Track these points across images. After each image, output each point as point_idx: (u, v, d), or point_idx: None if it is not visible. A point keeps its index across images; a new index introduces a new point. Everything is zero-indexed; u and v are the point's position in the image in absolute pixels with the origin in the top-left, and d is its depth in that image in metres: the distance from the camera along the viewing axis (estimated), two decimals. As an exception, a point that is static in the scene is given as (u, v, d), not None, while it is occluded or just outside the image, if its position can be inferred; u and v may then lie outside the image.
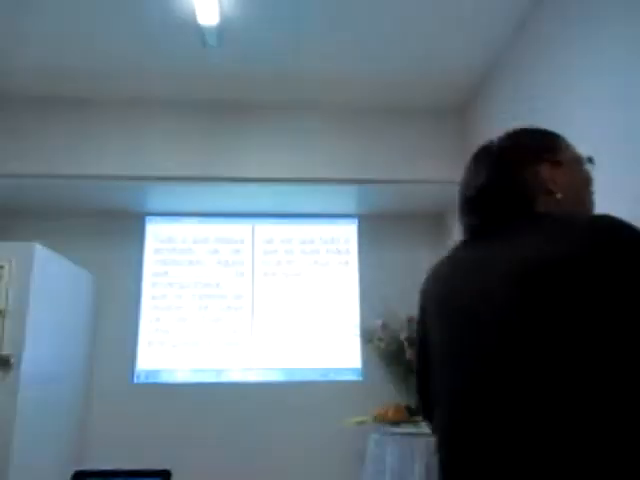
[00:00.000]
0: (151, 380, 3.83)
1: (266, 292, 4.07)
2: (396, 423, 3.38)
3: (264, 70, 3.31)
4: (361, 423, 3.41)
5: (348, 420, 3.44)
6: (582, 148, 2.33)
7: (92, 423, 3.61)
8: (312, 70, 3.32)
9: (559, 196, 1.01)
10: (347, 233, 4.21)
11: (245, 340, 3.97)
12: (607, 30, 2.16)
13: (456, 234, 3.89)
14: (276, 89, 3.51)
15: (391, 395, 3.70)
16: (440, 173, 3.63)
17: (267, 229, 4.20)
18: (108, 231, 4.00)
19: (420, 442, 3.08)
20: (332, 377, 3.87)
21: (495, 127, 3.20)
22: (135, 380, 3.82)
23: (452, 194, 4.21)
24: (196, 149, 3.58)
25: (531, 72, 2.78)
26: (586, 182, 1.09)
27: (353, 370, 3.90)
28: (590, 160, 1.09)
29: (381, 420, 3.43)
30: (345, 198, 3.95)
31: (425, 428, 3.27)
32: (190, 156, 3.55)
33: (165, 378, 3.84)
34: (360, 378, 3.86)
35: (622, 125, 2.01)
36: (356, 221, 4.20)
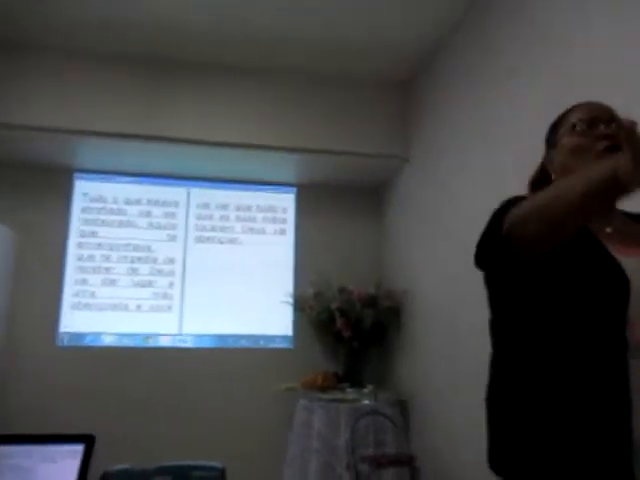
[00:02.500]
0: (76, 343, 3.71)
1: (199, 257, 4.00)
2: (324, 389, 3.47)
3: (205, 28, 3.18)
4: (290, 390, 3.48)
5: (278, 386, 3.50)
6: (523, 126, 2.40)
7: (13, 387, 3.46)
8: (257, 33, 3.23)
9: (553, 177, 1.12)
10: (285, 202, 4.19)
11: (175, 305, 3.91)
12: (553, 5, 2.22)
13: (392, 209, 3.97)
14: (217, 50, 3.40)
15: (321, 362, 3.79)
16: (381, 147, 3.67)
17: (203, 194, 4.11)
18: (33, 186, 3.78)
19: (346, 408, 3.19)
20: (263, 344, 3.90)
21: (437, 104, 3.27)
22: (59, 343, 3.68)
23: (391, 168, 4.32)
24: (131, 105, 3.42)
25: (478, 51, 2.82)
26: (569, 152, 1.08)
27: (284, 337, 3.94)
28: (574, 126, 1.09)
29: (310, 387, 3.51)
30: (284, 167, 3.92)
31: (351, 394, 3.38)
32: (124, 112, 3.39)
33: (91, 342, 3.73)
34: (291, 345, 3.91)
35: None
36: (294, 190, 4.19)
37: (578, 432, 0.88)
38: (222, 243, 4.05)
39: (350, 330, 3.60)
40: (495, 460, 1.01)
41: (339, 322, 3.62)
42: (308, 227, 4.10)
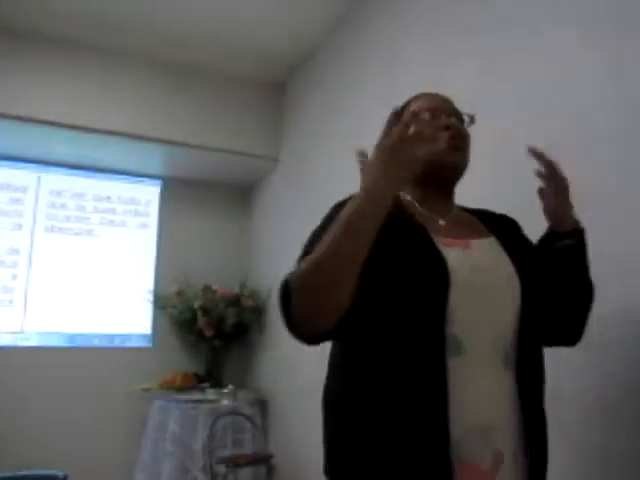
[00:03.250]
0: None
1: (49, 249, 3.68)
2: (183, 390, 3.38)
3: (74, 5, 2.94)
4: (146, 390, 3.34)
5: (133, 387, 3.33)
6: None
7: None
8: (135, 19, 3.05)
9: None
10: (149, 194, 4.01)
11: (18, 299, 3.56)
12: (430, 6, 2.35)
13: (260, 209, 3.98)
14: (88, 31, 3.15)
15: (181, 362, 3.68)
16: (252, 146, 3.65)
17: (56, 180, 3.79)
18: None
19: (205, 408, 3.13)
20: (119, 343, 3.69)
21: (310, 107, 3.34)
22: None
23: (262, 168, 4.32)
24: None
25: (350, 56, 2.92)
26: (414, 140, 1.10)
27: (143, 336, 3.77)
28: (416, 115, 1.05)
29: (168, 387, 3.40)
30: (150, 158, 3.74)
31: (211, 394, 3.33)
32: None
33: None
34: (150, 344, 3.75)
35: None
36: (160, 183, 4.02)
37: (397, 432, 0.87)
38: (77, 235, 3.77)
39: (212, 329, 3.55)
40: (326, 465, 0.98)
41: (201, 321, 3.54)
42: (173, 222, 3.96)
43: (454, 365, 0.89)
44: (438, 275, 0.92)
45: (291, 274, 0.89)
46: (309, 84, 3.40)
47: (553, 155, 1.05)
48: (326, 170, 3.04)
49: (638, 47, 1.37)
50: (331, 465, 0.96)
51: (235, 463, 2.80)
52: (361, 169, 0.88)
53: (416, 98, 1.14)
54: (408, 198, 1.10)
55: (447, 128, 1.04)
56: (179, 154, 3.62)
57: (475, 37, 2.01)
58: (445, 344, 0.89)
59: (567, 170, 1.07)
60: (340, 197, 3.03)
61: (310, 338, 0.89)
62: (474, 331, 0.92)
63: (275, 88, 3.80)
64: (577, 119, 1.52)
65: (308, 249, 0.94)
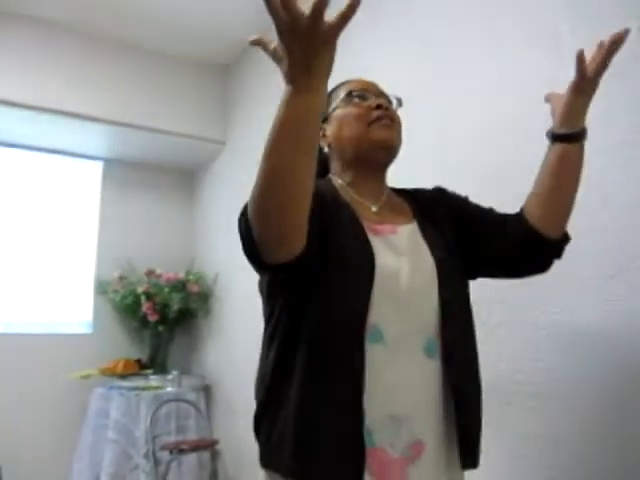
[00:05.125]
0: None
1: (-18, 231, 3.50)
2: (125, 377, 3.32)
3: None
4: (86, 377, 3.25)
5: (72, 374, 3.24)
6: None
7: None
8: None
9: (326, 150, 1.12)
10: (90, 175, 3.86)
11: (-51, 285, 3.38)
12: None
13: (207, 193, 3.92)
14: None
15: (124, 348, 3.60)
16: (198, 129, 3.58)
17: (-10, 158, 3.60)
18: None
19: (148, 395, 3.09)
20: (57, 330, 3.57)
21: (257, 91, 3.29)
22: None
23: (208, 151, 4.23)
24: None
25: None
26: (345, 122, 1.07)
27: (83, 322, 3.65)
28: (348, 97, 1.09)
29: (109, 373, 3.33)
30: (91, 138, 3.58)
31: (154, 381, 3.28)
32: None
33: None
34: (90, 331, 3.64)
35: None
36: (101, 164, 3.88)
37: (313, 413, 0.88)
38: (10, 215, 3.59)
39: (156, 315, 3.48)
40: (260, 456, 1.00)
41: (145, 306, 3.47)
42: (115, 205, 3.84)
43: (373, 354, 0.89)
44: (363, 265, 0.92)
45: (245, 209, 0.87)
46: (257, 66, 3.35)
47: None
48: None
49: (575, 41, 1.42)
50: (260, 447, 0.99)
51: (179, 449, 2.78)
52: (274, 58, 0.78)
53: (343, 83, 1.14)
54: (340, 182, 1.09)
55: (377, 107, 1.05)
56: (121, 135, 3.49)
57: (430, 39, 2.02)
58: (364, 333, 0.89)
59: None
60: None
61: (272, 265, 0.86)
62: (394, 321, 0.93)
63: (222, 70, 3.73)
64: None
65: None
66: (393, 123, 1.06)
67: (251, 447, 3.27)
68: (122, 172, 3.90)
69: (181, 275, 3.63)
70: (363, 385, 0.87)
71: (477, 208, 1.15)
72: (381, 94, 1.12)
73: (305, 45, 0.70)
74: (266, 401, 0.97)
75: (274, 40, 0.75)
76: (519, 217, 1.07)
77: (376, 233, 0.99)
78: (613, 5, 1.35)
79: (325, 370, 0.89)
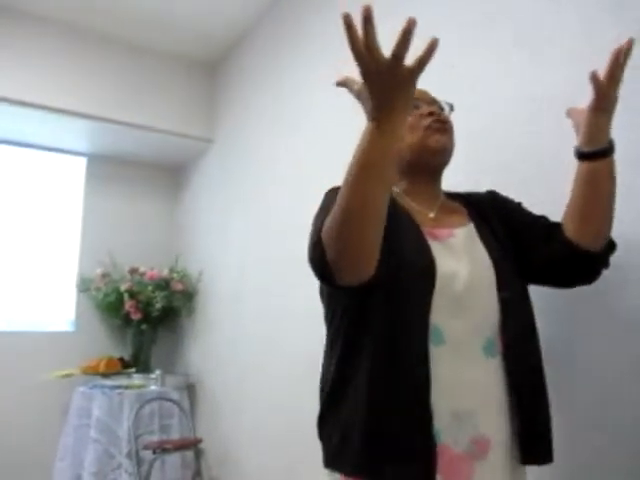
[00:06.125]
0: None
1: (-39, 226, 3.43)
2: (107, 376, 3.28)
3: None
4: (68, 376, 3.21)
5: (53, 373, 3.19)
6: (328, 118, 2.49)
7: None
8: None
9: None
10: (73, 171, 3.80)
11: None
12: None
13: (193, 191, 3.90)
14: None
15: (106, 347, 3.57)
16: (184, 126, 3.55)
17: (-30, 153, 3.53)
18: None
19: (131, 394, 3.06)
20: (39, 327, 3.51)
21: (245, 90, 3.28)
22: None
23: (195, 148, 4.21)
24: None
25: (285, 40, 2.88)
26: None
27: (65, 320, 3.60)
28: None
29: (91, 372, 3.29)
30: (75, 133, 3.53)
31: (137, 380, 3.25)
32: None
33: None
34: (73, 329, 3.59)
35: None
36: (85, 160, 3.83)
37: (386, 419, 0.91)
38: (-7, 212, 3.53)
39: (139, 313, 3.45)
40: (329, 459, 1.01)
41: (128, 304, 3.44)
42: (99, 202, 3.79)
43: (435, 354, 0.93)
44: (425, 270, 0.96)
45: (319, 232, 0.90)
46: (245, 65, 3.34)
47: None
48: (262, 154, 3.02)
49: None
50: (323, 448, 1.01)
51: (162, 448, 2.76)
52: (358, 98, 0.85)
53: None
54: (396, 190, 1.11)
55: (430, 114, 1.08)
56: (106, 131, 3.44)
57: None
58: (428, 334, 0.93)
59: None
60: (274, 180, 3.04)
61: (343, 287, 0.91)
62: (454, 323, 0.96)
63: (210, 67, 3.71)
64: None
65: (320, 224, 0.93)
66: (446, 128, 1.10)
67: (236, 446, 3.28)
68: (106, 168, 3.86)
69: (165, 273, 3.60)
70: (430, 385, 0.91)
71: (529, 215, 1.16)
72: (433, 101, 1.15)
73: (386, 86, 0.77)
74: (330, 402, 1.00)
75: (358, 81, 0.83)
76: (559, 231, 1.07)
77: (435, 238, 1.03)
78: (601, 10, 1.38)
79: (391, 371, 0.92)
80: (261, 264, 2.88)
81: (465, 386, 0.94)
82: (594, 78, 0.93)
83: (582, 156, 1.01)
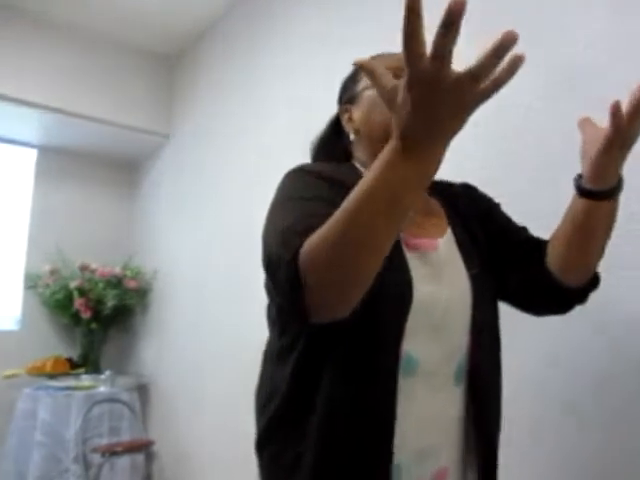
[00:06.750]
0: None
1: None
2: (55, 376, 3.17)
3: None
4: (13, 377, 3.08)
5: (-3, 374, 3.06)
6: (283, 114, 2.48)
7: None
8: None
9: (353, 137, 0.98)
10: (23, 163, 3.65)
11: None
12: None
13: (148, 187, 3.81)
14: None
15: (54, 346, 3.44)
16: (143, 121, 3.46)
17: None
18: None
19: (79, 396, 2.97)
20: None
21: (207, 84, 3.21)
22: None
23: (151, 143, 4.12)
24: None
25: (250, 31, 2.84)
26: (374, 102, 0.92)
27: (10, 318, 3.45)
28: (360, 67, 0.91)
29: (37, 373, 3.17)
30: (24, 123, 3.38)
31: (86, 380, 3.15)
32: None
33: None
34: (18, 327, 3.45)
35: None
36: (36, 152, 3.68)
37: (341, 455, 0.80)
38: None
39: (90, 311, 3.34)
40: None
41: (77, 302, 3.32)
42: (50, 196, 3.65)
43: (405, 384, 0.81)
44: (400, 295, 0.81)
45: (296, 253, 0.69)
46: (205, 60, 3.28)
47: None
48: (220, 150, 2.97)
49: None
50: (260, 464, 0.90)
51: (111, 451, 2.68)
52: (383, 97, 0.62)
53: (375, 57, 0.96)
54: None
55: None
56: (58, 122, 3.31)
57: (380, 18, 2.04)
58: (397, 365, 0.81)
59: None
60: (236, 178, 2.96)
61: (318, 323, 0.75)
62: (429, 349, 0.84)
63: (168, 61, 3.63)
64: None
65: (298, 220, 0.75)
66: None
67: (190, 448, 3.22)
68: (58, 161, 3.72)
69: (118, 270, 3.50)
70: (394, 422, 0.79)
71: (509, 223, 1.03)
72: None
73: (443, 108, 0.57)
74: (276, 423, 0.87)
75: (385, 72, 0.62)
76: (540, 256, 0.94)
77: (416, 249, 0.87)
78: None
79: (351, 402, 0.80)
80: (218, 261, 2.83)
81: (434, 420, 0.85)
82: (615, 110, 0.77)
83: (584, 193, 0.86)
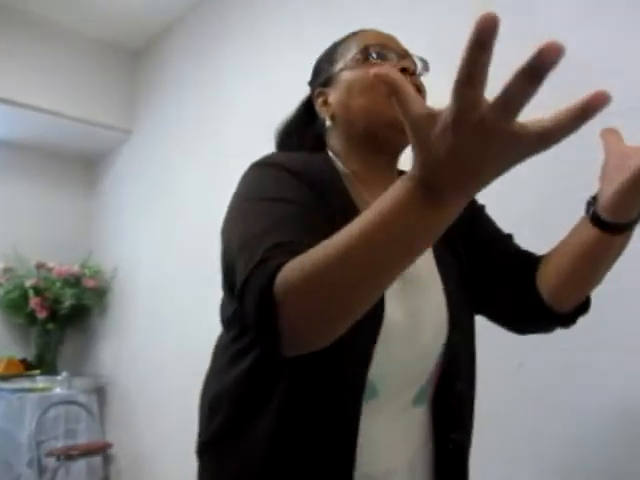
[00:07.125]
0: None
1: None
2: (7, 378, 3.07)
3: None
4: (-38, 379, 2.96)
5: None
6: (249, 110, 2.48)
7: None
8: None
9: (329, 123, 0.87)
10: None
11: None
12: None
13: (109, 184, 3.72)
14: None
15: (7, 347, 3.33)
16: (103, 115, 3.37)
17: None
18: None
19: (33, 397, 2.89)
20: None
21: (171, 81, 3.15)
22: None
23: (112, 139, 4.02)
24: None
25: (216, 28, 2.81)
26: (359, 89, 0.82)
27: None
28: (363, 56, 0.83)
29: (-11, 375, 3.06)
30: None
31: (42, 382, 3.06)
32: None
33: None
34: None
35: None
36: (-11, 146, 3.54)
37: (290, 474, 0.74)
38: None
39: (46, 311, 3.24)
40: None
41: (33, 301, 3.22)
42: (3, 191, 3.52)
43: (367, 410, 0.74)
44: (369, 322, 0.68)
45: (272, 277, 0.58)
46: (169, 55, 3.22)
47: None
48: (182, 147, 2.93)
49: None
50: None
51: (67, 455, 2.61)
52: (406, 118, 0.47)
53: (354, 34, 0.88)
54: (345, 170, 0.84)
55: (402, 71, 0.77)
56: (12, 114, 3.19)
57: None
58: (362, 394, 0.73)
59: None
60: (198, 176, 2.92)
61: (291, 353, 0.65)
62: (391, 374, 0.77)
63: (131, 56, 3.54)
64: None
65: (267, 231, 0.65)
66: (419, 95, 0.69)
67: (149, 450, 3.16)
68: (12, 155, 3.58)
69: (76, 269, 3.40)
70: (355, 449, 0.73)
71: (494, 230, 0.93)
72: (405, 54, 0.85)
73: (495, 157, 0.45)
74: (223, 428, 0.80)
75: (416, 95, 0.47)
76: (530, 274, 0.84)
77: None
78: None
79: (306, 423, 0.73)
80: (178, 260, 2.79)
81: (386, 445, 0.78)
82: None
83: (599, 224, 0.72)
